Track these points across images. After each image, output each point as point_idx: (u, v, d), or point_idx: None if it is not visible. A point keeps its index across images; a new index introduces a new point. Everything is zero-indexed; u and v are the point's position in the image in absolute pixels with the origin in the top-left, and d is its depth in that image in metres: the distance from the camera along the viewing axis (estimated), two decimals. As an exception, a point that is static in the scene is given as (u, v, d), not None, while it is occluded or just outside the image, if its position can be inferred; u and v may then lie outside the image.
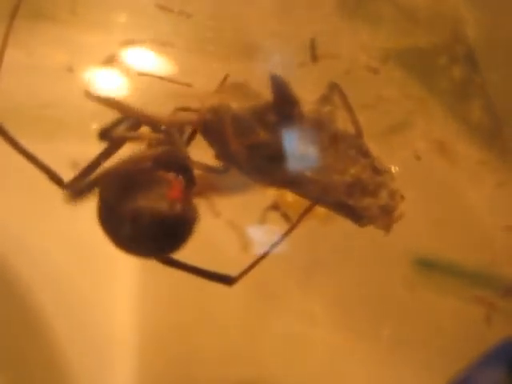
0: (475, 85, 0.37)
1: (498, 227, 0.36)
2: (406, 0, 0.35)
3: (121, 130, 0.27)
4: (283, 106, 0.25)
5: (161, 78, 0.29)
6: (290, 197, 0.35)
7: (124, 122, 0.27)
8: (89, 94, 0.26)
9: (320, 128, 0.26)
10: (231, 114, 0.25)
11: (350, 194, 0.26)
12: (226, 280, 0.27)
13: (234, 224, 0.34)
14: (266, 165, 0.26)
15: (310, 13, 0.32)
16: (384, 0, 0.35)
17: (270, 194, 0.35)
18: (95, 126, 0.29)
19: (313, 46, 0.30)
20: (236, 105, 0.26)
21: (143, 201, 0.26)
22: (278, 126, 0.25)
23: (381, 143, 0.29)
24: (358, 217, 0.27)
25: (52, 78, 0.32)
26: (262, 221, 0.35)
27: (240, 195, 0.30)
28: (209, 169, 0.28)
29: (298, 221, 0.28)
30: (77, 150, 0.29)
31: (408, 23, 0.35)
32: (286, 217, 0.35)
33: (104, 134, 0.27)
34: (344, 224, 0.29)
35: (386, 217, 0.27)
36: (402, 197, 0.27)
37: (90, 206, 0.27)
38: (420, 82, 0.36)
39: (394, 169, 0.27)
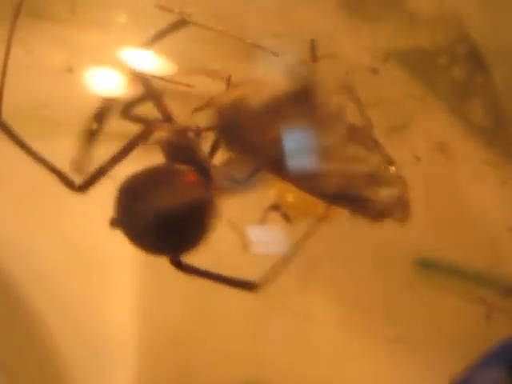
0: (477, 84, 0.37)
1: (500, 227, 0.36)
2: (408, -1, 0.35)
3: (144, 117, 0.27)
4: (302, 97, 0.25)
5: (161, 78, 0.29)
6: (290, 197, 0.35)
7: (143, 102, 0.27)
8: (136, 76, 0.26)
9: (337, 120, 0.26)
10: (251, 108, 0.25)
11: (368, 185, 0.26)
12: (249, 286, 0.27)
13: (234, 224, 0.34)
14: (286, 159, 0.26)
15: (311, 13, 0.32)
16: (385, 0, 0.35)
17: (271, 194, 0.35)
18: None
19: (313, 48, 0.30)
20: (254, 99, 0.26)
21: (161, 195, 0.26)
22: (298, 117, 0.25)
23: (382, 143, 0.29)
24: (373, 211, 0.26)
25: (51, 77, 0.32)
26: (262, 221, 0.35)
27: (240, 195, 0.30)
28: (229, 177, 0.28)
29: (320, 221, 0.27)
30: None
31: (409, 23, 0.35)
32: (286, 217, 0.35)
33: (125, 111, 0.27)
34: (344, 224, 0.29)
35: (402, 208, 0.27)
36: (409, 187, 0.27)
37: (87, 209, 0.27)
38: (422, 81, 0.35)
39: (392, 169, 0.27)
